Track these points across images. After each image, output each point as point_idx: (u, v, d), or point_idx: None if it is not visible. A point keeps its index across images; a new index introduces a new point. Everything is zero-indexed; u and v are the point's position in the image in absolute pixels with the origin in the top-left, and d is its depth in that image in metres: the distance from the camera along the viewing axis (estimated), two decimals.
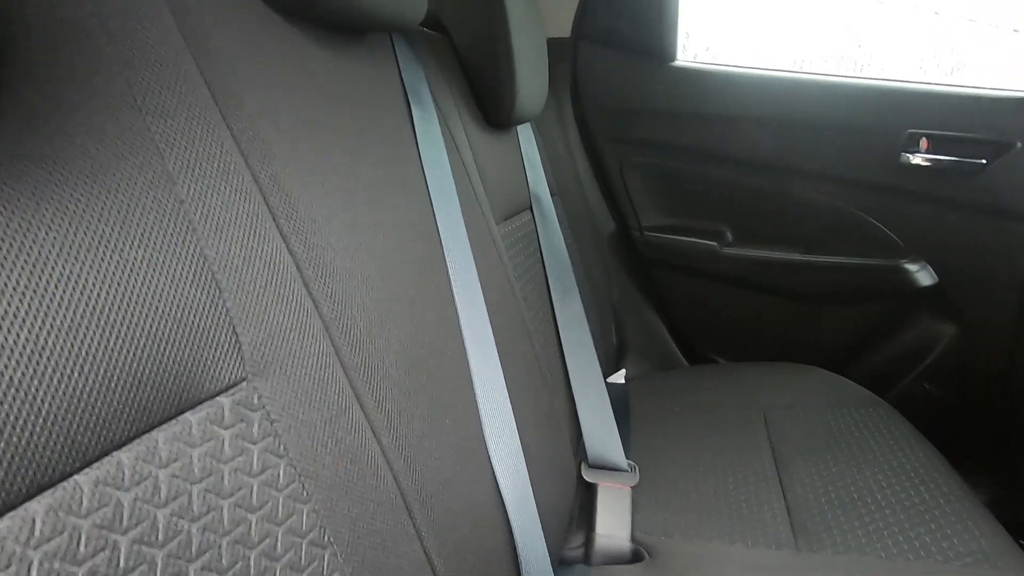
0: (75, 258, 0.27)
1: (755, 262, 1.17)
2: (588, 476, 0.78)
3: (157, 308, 0.30)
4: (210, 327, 0.32)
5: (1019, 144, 0.91)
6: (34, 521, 0.23)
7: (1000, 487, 1.03)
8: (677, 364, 1.33)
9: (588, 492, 0.78)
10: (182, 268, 0.32)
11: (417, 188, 0.58)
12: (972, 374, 1.06)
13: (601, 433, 0.81)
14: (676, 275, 1.28)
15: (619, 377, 1.20)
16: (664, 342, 1.33)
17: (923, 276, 1.06)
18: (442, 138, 0.62)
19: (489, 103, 0.79)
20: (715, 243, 1.19)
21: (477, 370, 0.56)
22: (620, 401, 1.05)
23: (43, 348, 0.24)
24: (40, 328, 0.25)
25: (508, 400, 0.58)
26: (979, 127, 0.95)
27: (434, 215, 0.58)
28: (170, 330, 0.30)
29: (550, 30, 1.22)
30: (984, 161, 0.94)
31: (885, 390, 1.08)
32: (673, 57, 1.16)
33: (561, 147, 1.19)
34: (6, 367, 0.23)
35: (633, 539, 0.71)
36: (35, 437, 0.24)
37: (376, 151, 0.53)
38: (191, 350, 0.31)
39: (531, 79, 0.80)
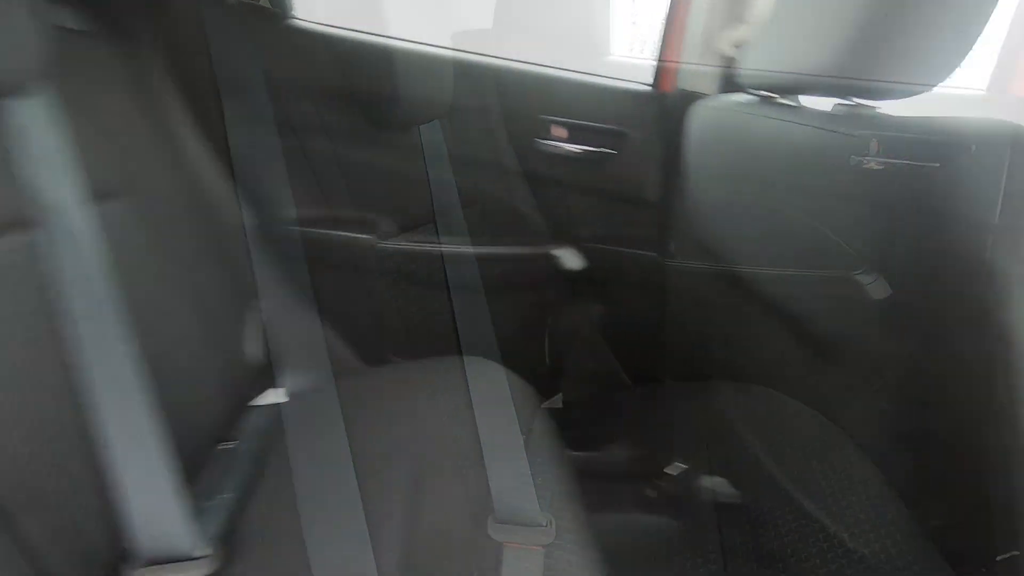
0: None
1: (700, 274, 1.09)
2: (495, 534, 0.68)
3: None
4: None
5: (974, 147, 0.84)
6: None
7: (949, 516, 0.97)
8: (621, 385, 1.23)
9: (497, 553, 0.67)
10: None
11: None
12: (927, 394, 0.99)
13: (512, 483, 0.70)
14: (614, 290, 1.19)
15: (556, 402, 1.10)
16: (604, 360, 1.23)
17: (876, 289, 0.98)
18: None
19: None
20: (655, 254, 1.10)
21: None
22: (551, 432, 0.95)
23: None
24: None
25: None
26: (931, 129, 0.87)
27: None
28: None
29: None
30: (937, 164, 0.87)
31: (839, 411, 1.01)
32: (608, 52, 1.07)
33: (487, 149, 1.08)
34: None
35: None
36: None
37: None
38: None
39: (419, 79, 0.68)
